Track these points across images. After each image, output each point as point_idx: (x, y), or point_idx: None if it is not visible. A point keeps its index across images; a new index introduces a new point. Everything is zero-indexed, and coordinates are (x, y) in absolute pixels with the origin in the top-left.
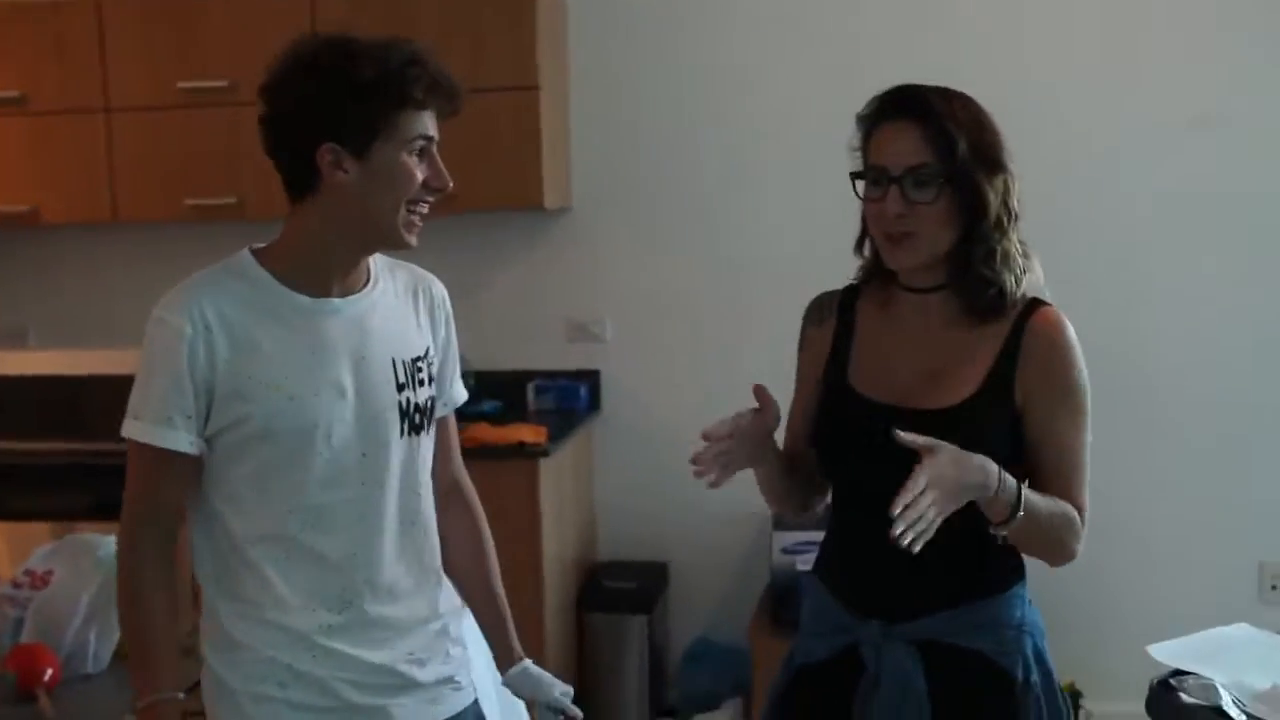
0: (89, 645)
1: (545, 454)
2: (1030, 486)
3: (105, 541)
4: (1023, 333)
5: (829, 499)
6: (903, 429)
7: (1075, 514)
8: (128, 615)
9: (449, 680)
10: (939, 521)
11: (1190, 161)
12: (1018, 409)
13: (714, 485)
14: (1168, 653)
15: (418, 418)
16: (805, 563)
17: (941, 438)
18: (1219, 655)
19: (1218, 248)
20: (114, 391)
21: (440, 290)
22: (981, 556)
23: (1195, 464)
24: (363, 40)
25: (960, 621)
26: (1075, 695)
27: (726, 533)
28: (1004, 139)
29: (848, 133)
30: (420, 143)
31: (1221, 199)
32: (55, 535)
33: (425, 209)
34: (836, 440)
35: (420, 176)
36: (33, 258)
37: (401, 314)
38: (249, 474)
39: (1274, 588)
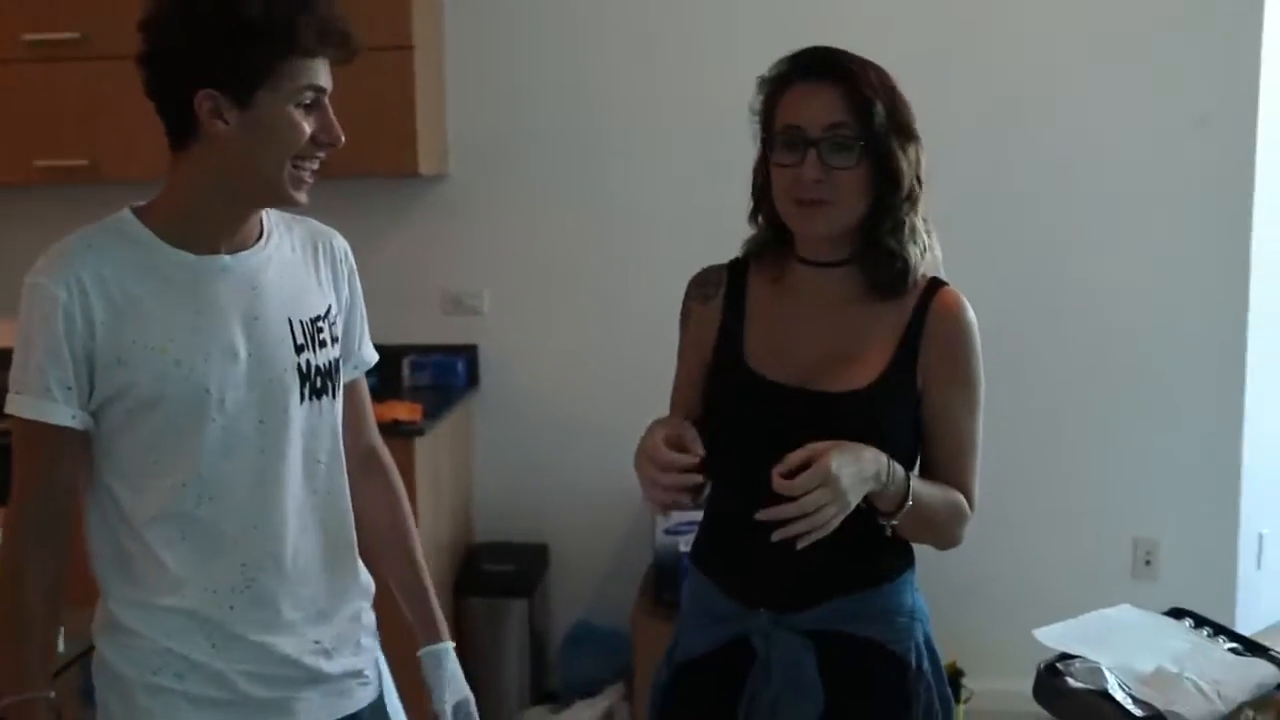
0: None
1: (420, 433)
2: (921, 471)
3: None
4: (926, 314)
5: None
6: (807, 411)
7: (964, 502)
8: (1, 603)
9: (357, 674)
10: (835, 523)
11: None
12: (918, 392)
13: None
14: (1053, 636)
15: (320, 381)
16: (688, 544)
17: (848, 422)
18: (1104, 638)
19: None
20: None
21: (341, 244)
22: (873, 544)
23: (1066, 439)
24: None
25: (853, 610)
26: (957, 674)
27: (608, 513)
28: (912, 110)
29: (743, 96)
30: (309, 94)
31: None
32: None
33: (315, 165)
34: (732, 422)
35: (308, 130)
36: None
37: (299, 271)
38: (138, 446)
39: (1147, 563)
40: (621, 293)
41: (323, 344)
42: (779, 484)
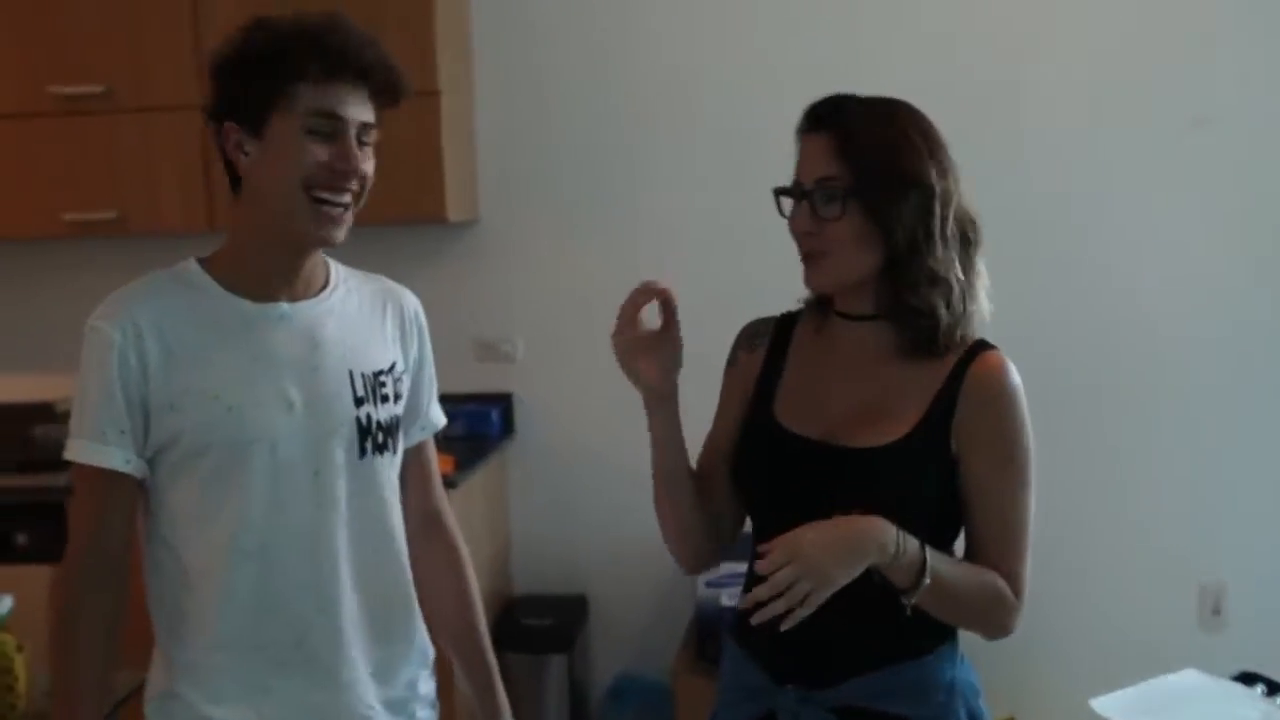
0: None
1: (453, 485)
2: (966, 551)
3: None
4: (963, 377)
5: (724, 542)
6: (828, 466)
7: (1002, 588)
8: (55, 652)
9: None
10: (819, 599)
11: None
12: (953, 457)
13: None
14: (1113, 707)
15: (380, 436)
16: (731, 596)
17: (869, 479)
18: (1166, 708)
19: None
20: None
21: (413, 303)
22: (908, 616)
23: (1126, 479)
24: (279, 17)
25: (883, 685)
26: None
27: (648, 563)
28: (930, 153)
29: (779, 132)
30: (322, 121)
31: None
32: None
33: (343, 199)
34: (757, 477)
35: (319, 156)
36: None
37: (364, 324)
38: (190, 496)
39: (1216, 612)
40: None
41: (384, 399)
42: (757, 565)
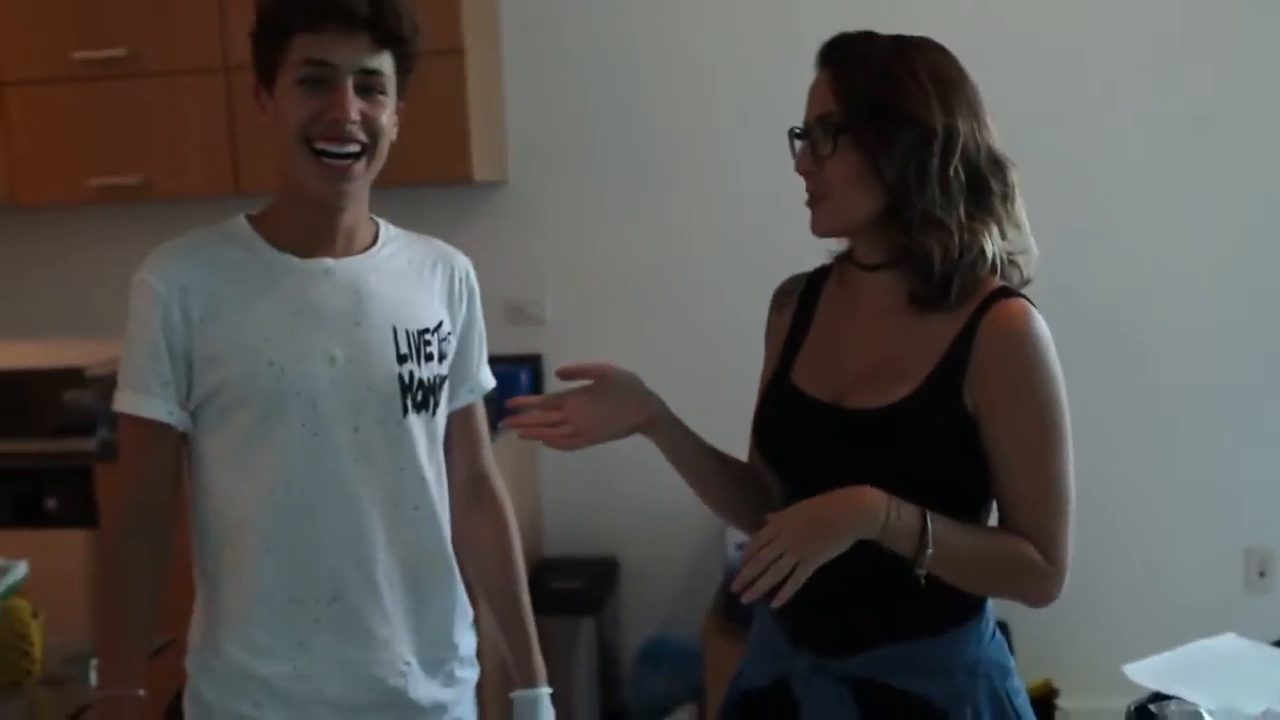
0: None
1: None
2: (998, 515)
3: None
4: (976, 328)
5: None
6: (833, 429)
7: (1028, 553)
8: (102, 601)
9: (443, 708)
10: (805, 573)
11: (1190, 161)
12: (969, 414)
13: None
14: (1146, 673)
15: (421, 394)
16: None
17: (872, 442)
18: (1204, 674)
19: (1217, 244)
20: (28, 387)
21: (464, 265)
22: (929, 589)
23: (1177, 448)
24: None
25: (899, 661)
26: (1051, 694)
27: (678, 525)
28: (935, 93)
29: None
30: (308, 69)
31: (1222, 198)
32: None
33: (348, 148)
34: (771, 441)
35: (308, 106)
36: None
37: (411, 282)
38: (228, 448)
39: (1262, 574)
40: (688, 298)
41: (429, 357)
42: (745, 551)
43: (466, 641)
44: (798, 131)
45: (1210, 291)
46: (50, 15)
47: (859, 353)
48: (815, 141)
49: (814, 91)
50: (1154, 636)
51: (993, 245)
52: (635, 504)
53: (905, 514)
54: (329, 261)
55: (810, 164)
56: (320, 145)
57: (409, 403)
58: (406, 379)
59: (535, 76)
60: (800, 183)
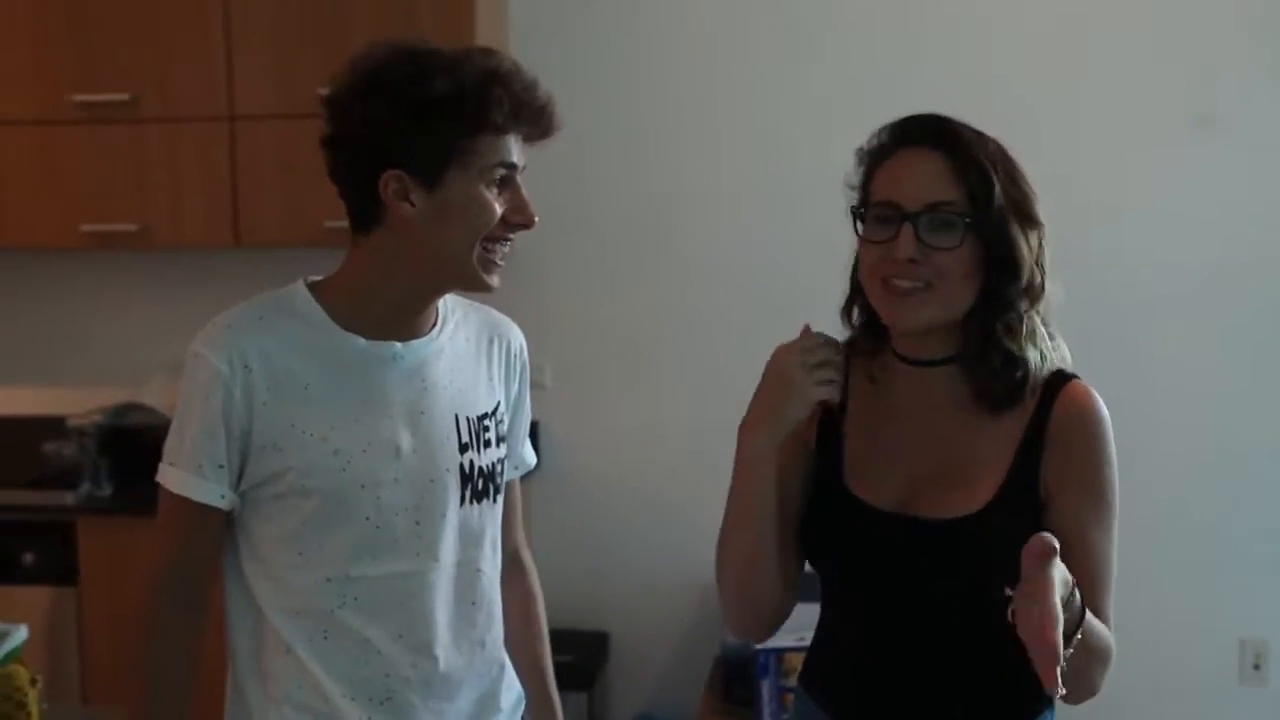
0: None
1: None
2: None
3: None
4: (1048, 419)
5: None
6: (905, 540)
7: (1112, 651)
8: (135, 681)
9: None
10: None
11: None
12: (1042, 504)
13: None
14: None
15: (481, 483)
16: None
17: (950, 553)
18: None
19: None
20: (7, 436)
21: (519, 340)
22: (1004, 677)
23: (1165, 531)
24: (437, 51)
25: None
26: None
27: (672, 600)
28: (1037, 194)
29: (828, 161)
30: (500, 171)
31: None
32: None
33: (507, 247)
34: (830, 547)
35: (499, 210)
36: None
37: (471, 364)
38: (285, 536)
39: (1256, 666)
40: (690, 368)
41: (488, 443)
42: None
43: None
44: (905, 214)
45: (1195, 369)
46: (50, 56)
47: (917, 455)
48: (924, 229)
49: (914, 171)
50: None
51: (1065, 350)
52: (628, 577)
53: (1077, 596)
54: (397, 346)
55: (916, 252)
56: (491, 245)
57: (468, 492)
58: (467, 468)
59: (539, 144)
60: (803, 247)
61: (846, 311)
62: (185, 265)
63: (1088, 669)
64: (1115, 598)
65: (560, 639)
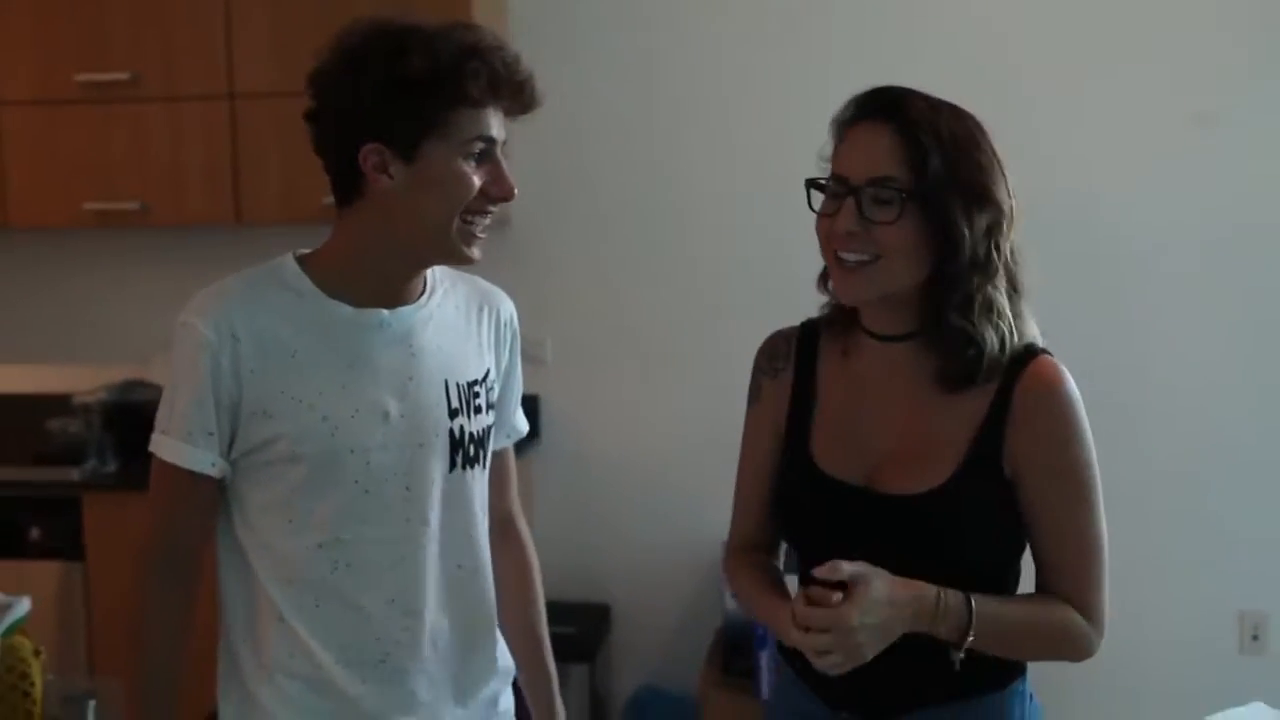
0: None
1: None
2: (1037, 576)
3: None
4: (1011, 395)
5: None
6: (869, 515)
7: (1070, 618)
8: (128, 650)
9: None
10: (844, 669)
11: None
12: (1008, 481)
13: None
14: None
15: (472, 449)
16: None
17: (912, 527)
18: None
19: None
20: (11, 412)
21: (509, 309)
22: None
23: (1163, 507)
24: (417, 27)
25: None
26: None
27: (674, 572)
28: (1001, 172)
29: (814, 140)
30: (479, 145)
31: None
32: None
33: (487, 219)
34: (799, 520)
35: (477, 182)
36: None
37: (460, 332)
38: (275, 502)
39: (1255, 638)
40: (689, 343)
41: (478, 410)
42: (798, 610)
43: (505, 699)
44: (849, 187)
45: (1204, 339)
46: (53, 36)
47: (884, 430)
48: (866, 203)
49: (860, 145)
50: (1159, 701)
51: (1034, 330)
52: (629, 550)
53: (953, 603)
54: (384, 313)
55: (856, 224)
56: (471, 217)
57: (459, 458)
58: (458, 434)
59: (541, 121)
60: (800, 228)
61: (822, 280)
62: (187, 243)
63: (1022, 649)
64: (1113, 572)
65: (562, 611)
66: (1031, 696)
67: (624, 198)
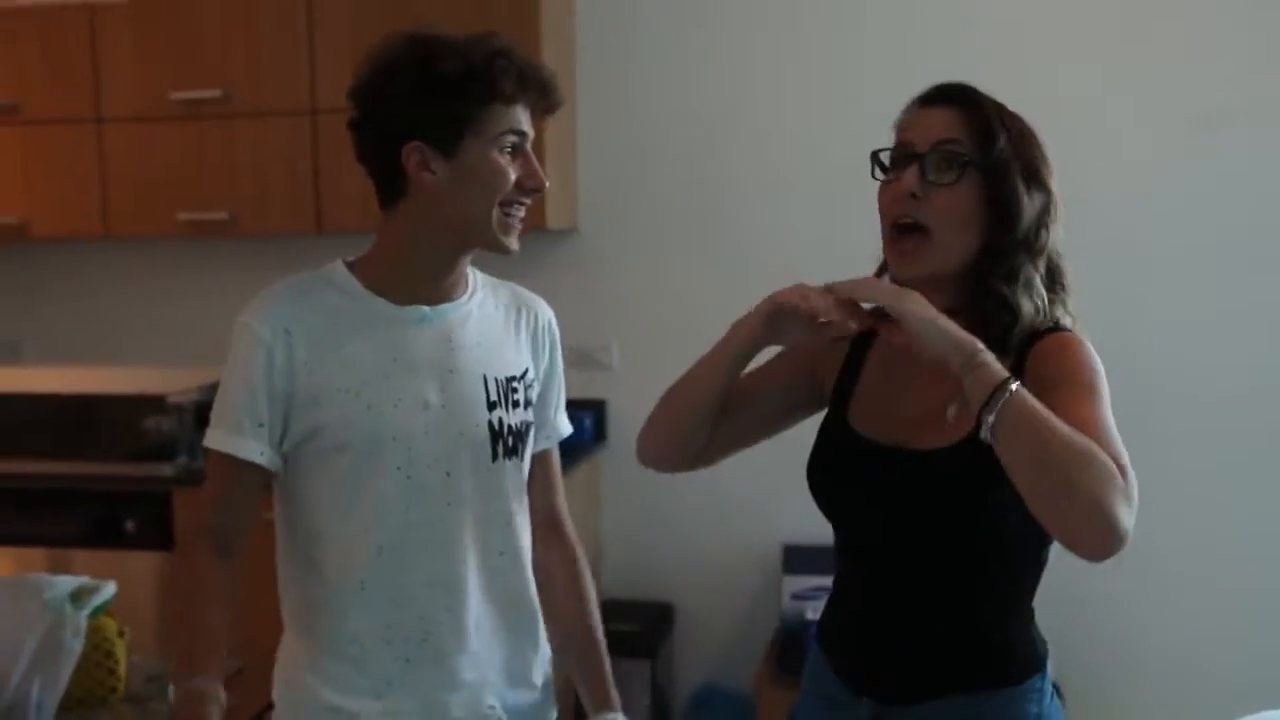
0: (31, 696)
1: None
2: None
3: (55, 582)
4: (1027, 357)
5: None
6: (896, 469)
7: (1103, 455)
8: (173, 622)
9: None
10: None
11: (1191, 161)
12: None
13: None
14: None
15: (511, 440)
16: (815, 610)
17: (936, 480)
18: None
19: (1219, 252)
20: (111, 411)
21: (547, 314)
22: (994, 638)
23: (1203, 484)
24: (447, 36)
25: (964, 713)
26: None
27: (734, 574)
28: (1051, 168)
29: (871, 146)
30: (511, 139)
31: (1222, 200)
32: (54, 564)
33: (522, 210)
34: (829, 481)
35: (513, 175)
36: (23, 271)
37: (499, 330)
38: (325, 489)
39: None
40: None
41: (516, 404)
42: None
43: (543, 679)
44: (914, 153)
45: (1214, 312)
46: (152, 56)
47: (914, 397)
48: (930, 166)
49: (926, 121)
50: (1211, 703)
51: (1070, 318)
52: (692, 552)
53: (993, 362)
54: (425, 309)
55: (918, 187)
56: (508, 208)
57: (499, 449)
58: (496, 425)
59: (606, 132)
60: (857, 231)
61: (881, 273)
62: (271, 251)
63: (1045, 453)
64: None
65: (626, 610)
66: (1053, 696)
67: (686, 206)
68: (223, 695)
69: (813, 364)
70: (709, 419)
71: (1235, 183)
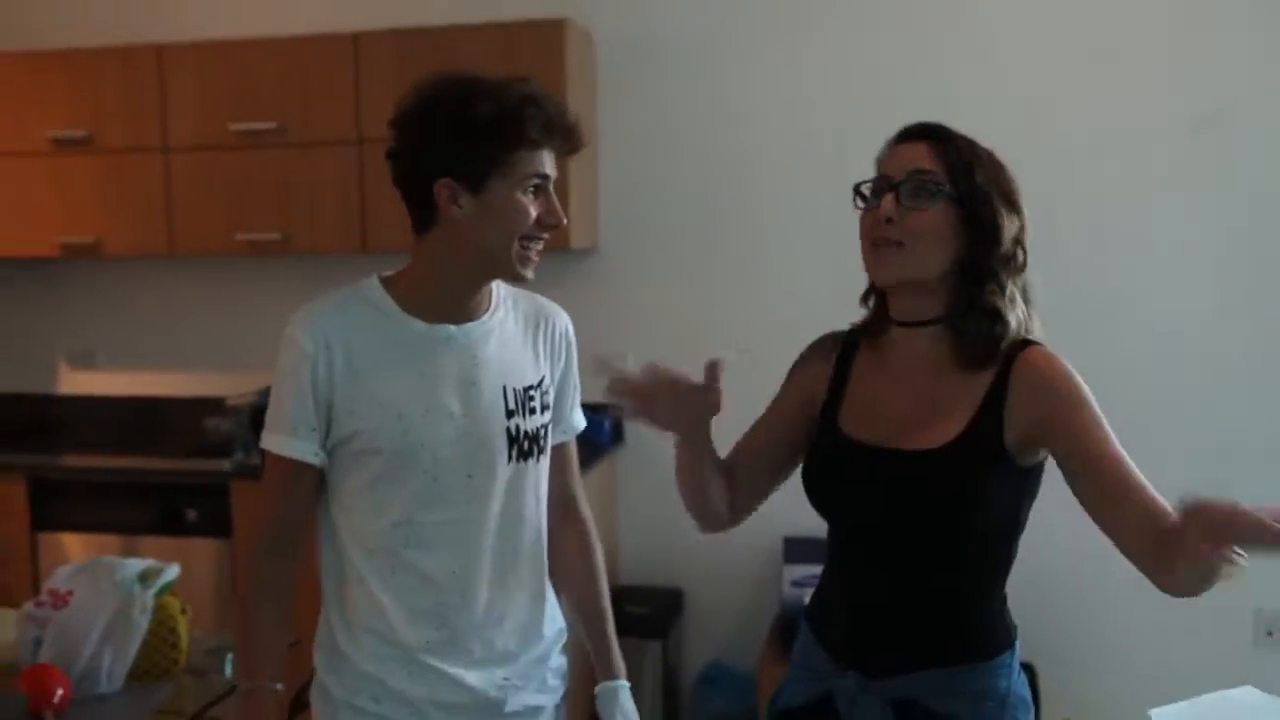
0: (102, 666)
1: None
2: (1106, 516)
3: (125, 564)
4: (1009, 371)
5: (728, 518)
6: (884, 469)
7: None
8: (239, 616)
9: (536, 710)
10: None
11: (1191, 162)
12: (1008, 452)
13: (625, 418)
14: (1170, 717)
15: (527, 444)
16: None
17: (923, 480)
18: None
19: (1217, 253)
20: (175, 412)
21: (563, 323)
22: (970, 619)
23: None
24: (483, 79)
25: (940, 685)
26: None
27: (739, 563)
28: (1019, 197)
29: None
30: (535, 181)
31: (1222, 199)
32: (125, 549)
33: (540, 244)
34: (826, 483)
35: (534, 213)
36: (97, 286)
37: (518, 343)
38: (360, 487)
39: (1269, 634)
40: (759, 361)
41: (532, 411)
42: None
43: (557, 659)
44: (891, 183)
45: (1209, 333)
46: (214, 91)
47: (898, 401)
48: (905, 193)
49: (902, 155)
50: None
51: (1041, 328)
52: (701, 545)
53: None
54: (451, 328)
55: (894, 212)
56: (527, 242)
57: (514, 452)
58: (514, 431)
59: (625, 161)
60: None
61: (865, 299)
62: (321, 268)
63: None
64: (1095, 539)
65: (640, 594)
66: (1020, 673)
67: (696, 229)
68: (280, 688)
69: (806, 395)
70: (718, 492)
71: (1235, 183)
